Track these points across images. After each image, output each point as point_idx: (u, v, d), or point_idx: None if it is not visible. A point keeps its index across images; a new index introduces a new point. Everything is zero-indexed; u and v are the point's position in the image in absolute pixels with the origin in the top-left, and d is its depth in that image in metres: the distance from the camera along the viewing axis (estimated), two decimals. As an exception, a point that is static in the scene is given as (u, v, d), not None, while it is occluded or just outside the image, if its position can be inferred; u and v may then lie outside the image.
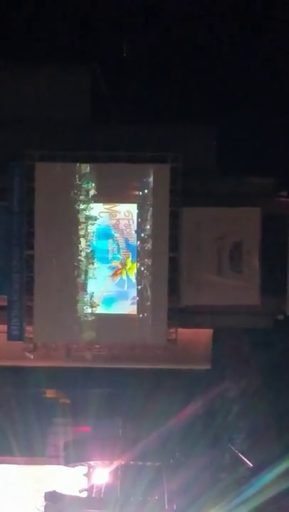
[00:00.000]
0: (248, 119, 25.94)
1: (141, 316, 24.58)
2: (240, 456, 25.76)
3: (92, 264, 24.51)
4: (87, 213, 24.59)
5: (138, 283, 24.59)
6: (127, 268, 24.69)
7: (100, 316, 24.64)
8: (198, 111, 25.79)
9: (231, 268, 24.86)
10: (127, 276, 24.70)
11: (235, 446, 26.03)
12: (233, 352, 26.50)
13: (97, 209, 24.65)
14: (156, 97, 26.24)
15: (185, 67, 26.37)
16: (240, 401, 26.29)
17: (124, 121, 26.11)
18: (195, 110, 25.84)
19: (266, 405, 25.83)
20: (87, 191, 24.55)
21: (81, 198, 24.56)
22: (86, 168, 24.48)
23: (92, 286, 24.58)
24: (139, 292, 24.57)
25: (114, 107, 26.46)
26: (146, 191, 24.53)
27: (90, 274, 24.50)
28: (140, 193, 24.54)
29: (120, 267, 24.70)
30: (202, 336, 25.67)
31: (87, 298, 24.53)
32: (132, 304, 24.65)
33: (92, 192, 24.56)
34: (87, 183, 24.53)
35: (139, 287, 24.58)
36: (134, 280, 24.59)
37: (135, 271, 24.58)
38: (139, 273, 24.57)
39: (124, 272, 24.69)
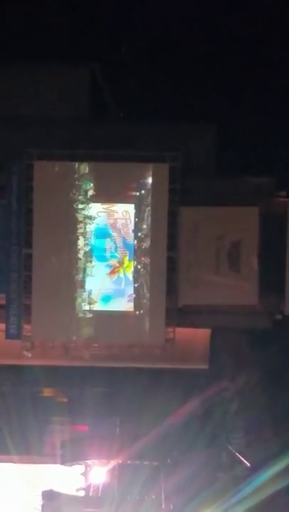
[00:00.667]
0: (247, 119, 25.95)
1: (137, 313, 24.68)
2: (238, 455, 25.72)
3: (90, 262, 24.60)
4: (86, 213, 24.65)
5: (135, 281, 24.69)
6: (124, 266, 24.75)
7: (97, 313, 24.72)
8: (198, 110, 25.82)
9: (230, 267, 24.90)
10: (124, 275, 24.78)
11: (232, 446, 25.98)
12: (231, 351, 26.47)
13: (95, 209, 24.71)
14: (155, 95, 26.26)
15: (184, 66, 26.37)
16: (238, 400, 26.26)
17: (123, 120, 26.19)
18: (194, 109, 25.86)
19: (264, 405, 25.80)
20: (86, 191, 24.59)
21: (80, 197, 24.60)
22: (85, 168, 24.50)
23: (90, 284, 24.68)
24: (136, 290, 24.67)
25: (113, 106, 26.47)
26: (144, 191, 24.58)
27: (88, 272, 24.60)
28: (138, 192, 24.62)
29: (118, 265, 24.78)
30: (200, 335, 25.71)
31: (85, 295, 24.60)
32: (129, 301, 24.77)
33: (90, 192, 24.59)
34: (86, 183, 24.54)
35: (136, 285, 24.68)
36: (131, 278, 24.71)
37: (132, 269, 24.66)
38: (135, 271, 24.69)
39: (122, 270, 24.77)
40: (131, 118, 26.22)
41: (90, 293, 24.62)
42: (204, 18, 26.78)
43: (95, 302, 24.67)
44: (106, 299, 24.79)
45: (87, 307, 24.63)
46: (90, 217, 24.61)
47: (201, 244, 24.91)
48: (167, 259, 24.60)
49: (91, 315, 24.68)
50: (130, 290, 24.70)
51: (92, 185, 24.59)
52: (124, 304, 24.75)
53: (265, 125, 25.95)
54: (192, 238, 24.85)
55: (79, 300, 24.63)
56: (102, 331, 24.71)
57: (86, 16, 26.65)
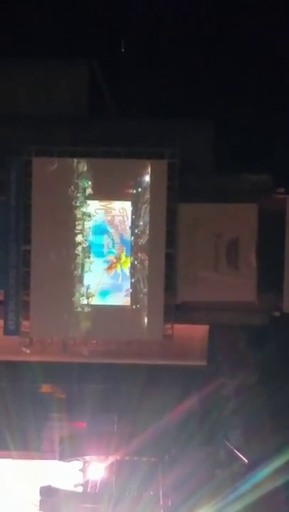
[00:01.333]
0: (246, 115, 25.97)
1: (134, 307, 24.73)
2: (236, 452, 25.73)
3: (88, 258, 24.66)
4: (84, 210, 24.69)
5: (131, 276, 24.74)
6: (122, 262, 24.80)
7: (95, 308, 24.74)
8: (196, 106, 25.82)
9: (228, 264, 24.90)
10: (121, 270, 24.81)
11: (230, 443, 25.99)
12: (229, 348, 26.50)
13: (93, 206, 24.73)
14: (154, 92, 26.30)
15: (183, 63, 26.39)
16: (236, 397, 26.27)
17: (121, 117, 26.20)
18: (193, 106, 25.86)
19: (262, 402, 25.80)
20: (84, 189, 24.64)
21: (78, 195, 24.65)
22: (83, 165, 24.53)
23: (88, 280, 24.71)
24: (133, 285, 24.71)
25: (112, 103, 26.50)
26: (141, 188, 24.60)
27: (86, 268, 24.66)
28: (134, 190, 24.62)
29: (115, 260, 24.81)
30: (198, 332, 25.70)
31: (83, 291, 24.66)
32: (126, 295, 24.80)
33: (88, 190, 24.65)
34: (84, 180, 24.59)
35: (133, 280, 24.72)
36: (128, 273, 24.76)
37: (129, 264, 24.74)
38: (132, 267, 24.71)
39: (119, 266, 24.81)
40: (129, 115, 26.21)
41: (88, 288, 24.70)
42: (203, 16, 26.81)
43: (93, 296, 24.73)
44: (104, 293, 24.81)
45: (85, 302, 24.70)
46: (88, 214, 24.67)
47: (200, 241, 24.89)
48: (166, 255, 24.62)
49: (89, 309, 24.71)
50: (127, 285, 24.75)
51: (90, 183, 24.65)
52: (121, 299, 24.78)
53: (264, 122, 25.98)
54: (190, 235, 24.85)
55: (77, 295, 24.68)
56: (101, 326, 24.72)
57: (85, 14, 26.67)
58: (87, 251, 24.66)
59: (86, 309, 24.70)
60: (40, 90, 25.91)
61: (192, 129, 25.41)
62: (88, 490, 25.86)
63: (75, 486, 26.14)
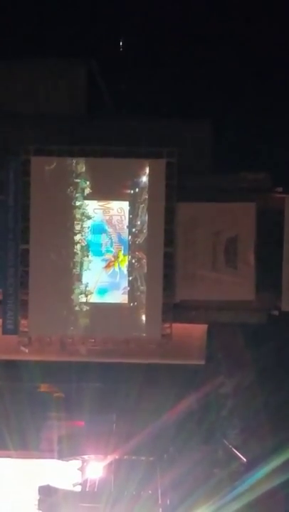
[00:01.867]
0: (243, 115, 25.97)
1: (131, 305, 24.77)
2: (234, 451, 25.73)
3: (87, 256, 24.74)
4: (82, 210, 24.73)
5: (129, 274, 24.79)
6: (119, 260, 24.85)
7: (93, 306, 24.79)
8: (195, 106, 25.85)
9: (226, 263, 24.93)
10: (119, 268, 24.87)
11: (229, 442, 25.99)
12: (228, 347, 26.47)
13: (91, 206, 24.79)
14: (153, 92, 26.31)
15: (182, 63, 26.41)
16: (234, 396, 26.24)
17: (120, 116, 26.21)
18: (191, 106, 25.89)
19: (260, 401, 25.78)
20: (83, 189, 24.68)
21: (76, 195, 24.67)
22: (82, 165, 24.58)
23: (86, 278, 24.80)
24: (130, 283, 24.76)
25: (110, 102, 26.53)
26: (139, 188, 24.64)
27: (84, 267, 24.74)
28: (132, 190, 24.68)
29: (113, 259, 24.87)
30: (197, 331, 25.71)
31: (81, 289, 24.70)
32: (124, 293, 24.87)
33: (87, 190, 24.69)
34: (83, 181, 24.62)
35: (130, 278, 24.77)
36: (125, 272, 24.81)
37: (126, 263, 24.78)
38: (130, 265, 24.80)
39: (117, 264, 24.86)
40: (128, 115, 26.23)
41: (86, 286, 24.75)
42: (202, 16, 26.82)
43: (92, 294, 24.77)
44: (102, 291, 24.88)
45: (83, 299, 24.74)
46: (86, 215, 24.70)
47: (198, 240, 24.94)
48: (164, 254, 24.63)
49: (88, 307, 24.77)
50: (125, 283, 24.83)
51: (88, 183, 24.69)
52: (118, 297, 24.86)
53: (262, 121, 25.98)
54: (189, 234, 24.91)
55: (76, 294, 24.74)
56: (99, 323, 24.78)
57: (84, 13, 26.72)
58: (85, 250, 24.72)
59: (84, 307, 24.74)
60: (39, 90, 25.93)
61: (191, 129, 25.45)
62: (87, 489, 25.92)
63: (74, 485, 26.17)
